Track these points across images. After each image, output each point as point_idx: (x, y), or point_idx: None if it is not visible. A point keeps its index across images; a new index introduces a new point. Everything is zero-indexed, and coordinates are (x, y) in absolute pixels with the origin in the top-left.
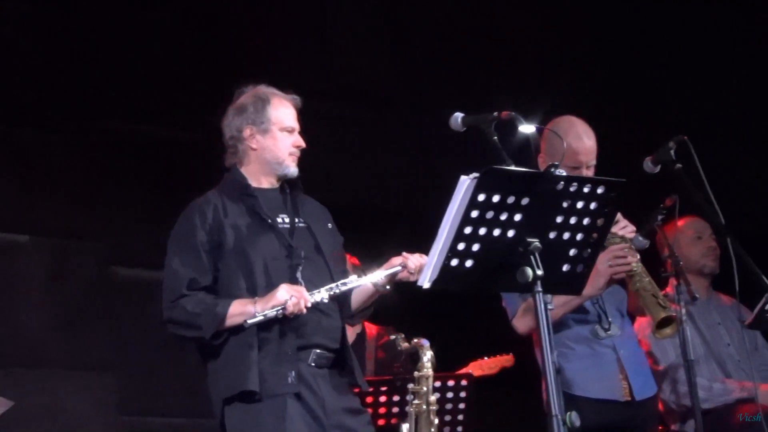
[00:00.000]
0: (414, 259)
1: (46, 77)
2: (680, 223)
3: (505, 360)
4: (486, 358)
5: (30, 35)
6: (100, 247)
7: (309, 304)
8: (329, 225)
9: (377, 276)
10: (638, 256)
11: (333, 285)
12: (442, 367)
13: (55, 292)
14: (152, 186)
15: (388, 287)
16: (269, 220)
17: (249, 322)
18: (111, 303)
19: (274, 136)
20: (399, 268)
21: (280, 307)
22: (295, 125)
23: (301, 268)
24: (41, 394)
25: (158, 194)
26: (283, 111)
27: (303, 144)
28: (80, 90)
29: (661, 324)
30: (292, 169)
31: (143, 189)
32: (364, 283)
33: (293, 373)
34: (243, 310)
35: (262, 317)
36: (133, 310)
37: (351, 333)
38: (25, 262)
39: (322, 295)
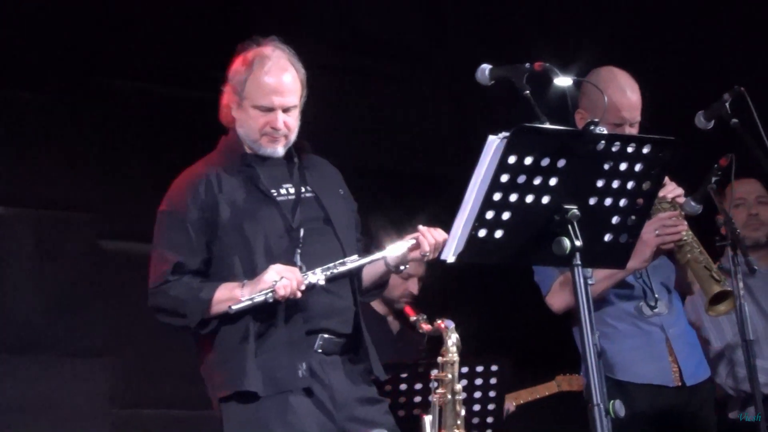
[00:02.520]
0: (430, 236)
1: (31, 29)
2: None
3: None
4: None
5: None
6: (92, 219)
7: (303, 287)
8: (340, 191)
9: (384, 254)
10: (686, 224)
11: (331, 265)
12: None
13: (41, 270)
14: (151, 150)
15: (402, 267)
16: (270, 193)
17: (233, 308)
18: (104, 282)
19: (246, 111)
20: (409, 245)
21: (268, 291)
22: (272, 104)
23: (299, 250)
24: (26, 383)
25: (158, 159)
26: (261, 85)
27: (279, 126)
28: (69, 43)
29: (715, 300)
30: (270, 151)
31: (141, 154)
32: (366, 262)
33: (304, 365)
34: (230, 295)
35: (248, 302)
36: (129, 289)
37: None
38: (6, 237)
39: (317, 276)
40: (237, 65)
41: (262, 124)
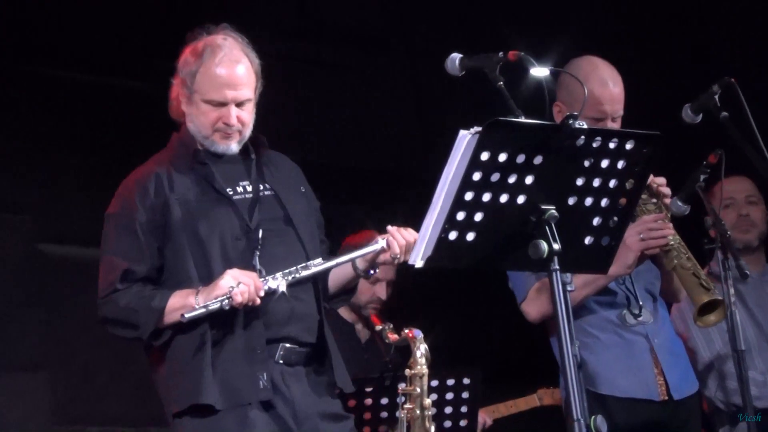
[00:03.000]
0: (400, 237)
1: None
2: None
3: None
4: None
5: None
6: (28, 221)
7: (262, 293)
8: (302, 188)
9: (351, 257)
10: (672, 228)
11: (293, 269)
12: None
13: None
14: (91, 145)
15: (372, 272)
16: (226, 192)
17: (186, 316)
18: (43, 288)
19: (197, 106)
20: (378, 247)
21: (224, 297)
22: (225, 98)
23: (258, 252)
24: None
25: (98, 155)
26: (213, 78)
27: (232, 121)
28: (2, 29)
29: (704, 309)
30: (222, 147)
31: (80, 149)
32: (332, 266)
33: (265, 375)
34: (184, 303)
35: (202, 310)
36: (70, 297)
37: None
38: None
39: (278, 281)
40: (186, 56)
41: (214, 120)
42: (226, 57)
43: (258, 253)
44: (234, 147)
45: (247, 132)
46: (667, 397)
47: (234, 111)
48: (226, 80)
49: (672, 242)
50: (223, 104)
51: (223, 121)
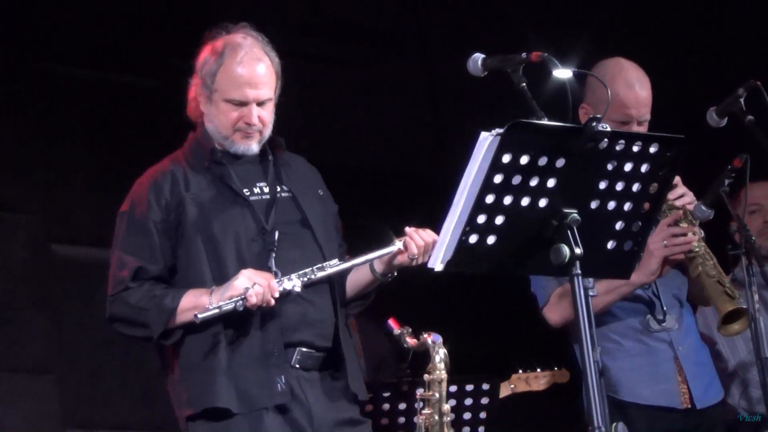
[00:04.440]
0: (418, 238)
1: None
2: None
3: (559, 375)
4: (538, 370)
5: None
6: (37, 222)
7: (276, 294)
8: (320, 191)
9: (365, 258)
10: (702, 234)
11: (308, 270)
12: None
13: None
14: (101, 145)
15: (390, 274)
16: (242, 193)
17: (199, 317)
18: (51, 290)
19: (217, 106)
20: (395, 248)
21: (239, 298)
22: (246, 98)
23: (274, 254)
24: None
25: (109, 155)
26: (233, 77)
27: (253, 121)
28: (11, 26)
29: (728, 318)
30: (243, 148)
31: (90, 149)
32: (347, 267)
33: (283, 378)
34: (197, 303)
35: (215, 311)
36: (78, 298)
37: None
38: None
39: (293, 282)
40: (205, 55)
41: (235, 119)
42: (247, 56)
43: (273, 255)
44: (254, 147)
45: (267, 132)
46: (689, 406)
47: (255, 110)
48: (247, 79)
49: (697, 249)
50: (244, 104)
51: (245, 120)
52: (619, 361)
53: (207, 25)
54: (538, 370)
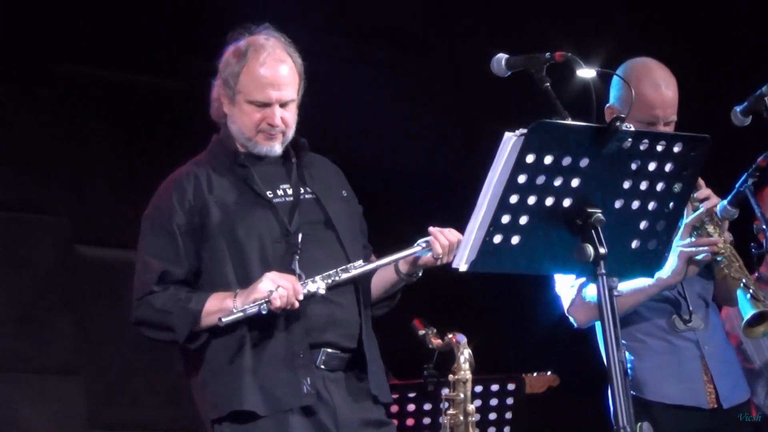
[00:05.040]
0: (443, 237)
1: None
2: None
3: (551, 380)
4: (534, 374)
5: None
6: (62, 223)
7: (301, 297)
8: (344, 192)
9: (390, 259)
10: (730, 237)
11: (332, 272)
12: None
13: (9, 277)
14: (126, 146)
15: (415, 274)
16: (265, 195)
17: (224, 320)
18: (77, 291)
19: (240, 107)
20: (419, 248)
21: (263, 301)
22: (269, 99)
23: (297, 257)
24: None
25: (133, 156)
26: (256, 78)
27: (276, 122)
28: (36, 27)
29: (753, 321)
30: (266, 149)
31: (115, 150)
32: (371, 269)
33: (309, 380)
34: (221, 306)
35: (240, 314)
36: (104, 299)
37: None
38: None
39: (317, 284)
40: (228, 56)
41: (258, 120)
42: (270, 57)
43: (297, 257)
44: (277, 148)
45: (290, 133)
46: (716, 405)
47: (278, 111)
48: (270, 80)
49: (722, 250)
50: (267, 105)
51: (267, 121)
52: (645, 360)
53: (231, 26)
54: (534, 374)
